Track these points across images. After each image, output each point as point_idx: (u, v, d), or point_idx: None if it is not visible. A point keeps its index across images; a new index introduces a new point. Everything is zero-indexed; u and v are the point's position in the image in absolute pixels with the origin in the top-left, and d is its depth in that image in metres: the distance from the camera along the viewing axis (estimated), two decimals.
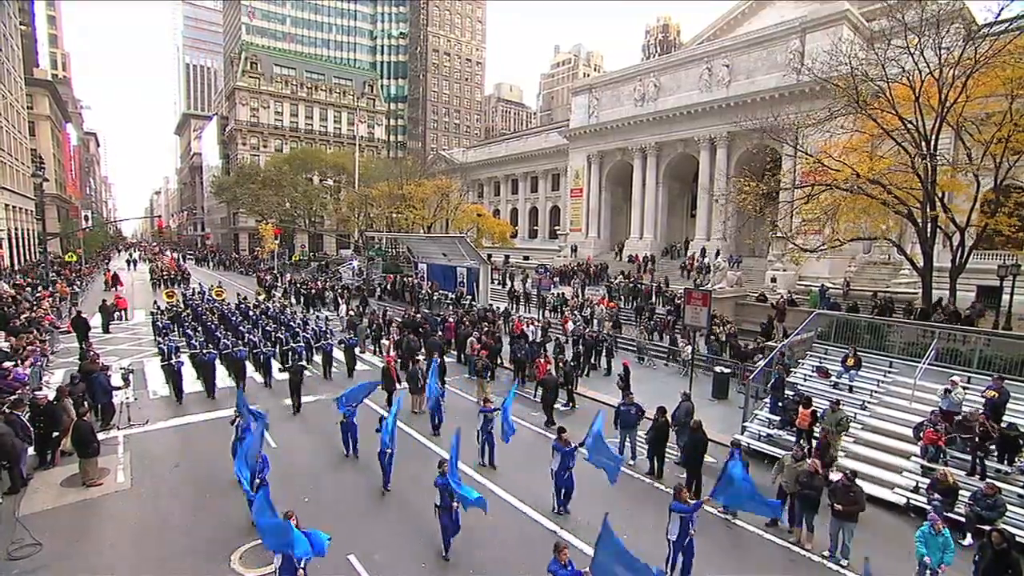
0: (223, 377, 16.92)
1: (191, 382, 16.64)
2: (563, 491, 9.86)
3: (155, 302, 26.66)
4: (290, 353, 17.72)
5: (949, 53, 16.70)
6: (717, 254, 34.14)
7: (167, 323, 22.01)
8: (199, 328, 21.68)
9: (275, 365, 18.07)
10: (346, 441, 12.09)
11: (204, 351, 16.60)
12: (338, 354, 19.58)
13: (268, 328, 21.14)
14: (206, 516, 9.56)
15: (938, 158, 17.47)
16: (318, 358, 19.08)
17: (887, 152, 19.19)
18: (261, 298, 31.20)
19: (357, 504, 10.17)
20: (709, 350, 20.07)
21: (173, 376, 15.37)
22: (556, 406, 15.40)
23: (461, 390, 17.48)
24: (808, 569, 8.64)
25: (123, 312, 28.19)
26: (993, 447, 10.60)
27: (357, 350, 20.12)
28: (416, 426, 14.07)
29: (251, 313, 24.97)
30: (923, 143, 17.19)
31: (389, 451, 10.31)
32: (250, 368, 17.95)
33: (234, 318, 23.47)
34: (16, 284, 30.71)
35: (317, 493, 10.43)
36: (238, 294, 31.64)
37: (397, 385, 15.39)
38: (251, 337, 19.09)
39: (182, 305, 26.85)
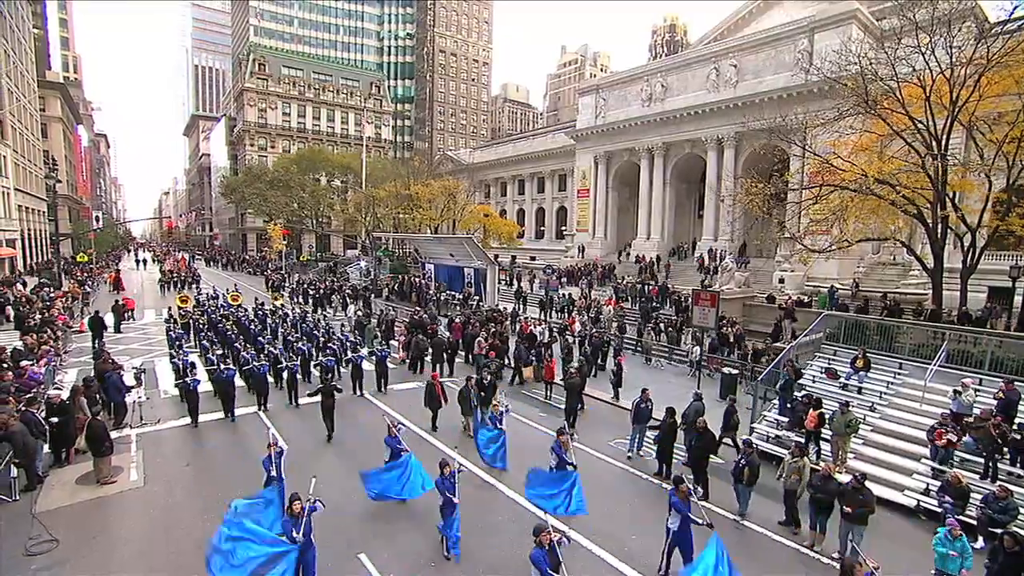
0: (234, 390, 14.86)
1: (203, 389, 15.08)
2: (676, 552, 8.05)
3: (168, 309, 24.85)
4: (319, 369, 16.17)
5: (961, 52, 16.56)
6: (743, 250, 34.11)
7: (180, 332, 20.14)
8: (216, 339, 19.76)
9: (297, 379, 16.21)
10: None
11: (222, 367, 14.76)
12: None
13: (290, 338, 19.52)
14: (218, 514, 9.62)
15: (949, 158, 17.33)
16: (343, 370, 17.68)
17: (897, 152, 19.06)
18: (279, 303, 29.09)
19: (366, 504, 10.23)
20: (718, 351, 20.04)
21: (188, 396, 13.75)
22: (561, 406, 15.49)
23: None
24: (818, 570, 8.63)
25: (130, 312, 27.70)
26: (1007, 449, 10.54)
27: (365, 351, 18.93)
28: (471, 455, 11.82)
29: (269, 321, 23.45)
30: (934, 143, 17.06)
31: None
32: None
33: (253, 327, 21.90)
34: (39, 283, 31.24)
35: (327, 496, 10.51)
36: (256, 298, 29.71)
37: (444, 403, 13.82)
38: (271, 349, 17.62)
39: (197, 312, 24.60)
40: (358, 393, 16.48)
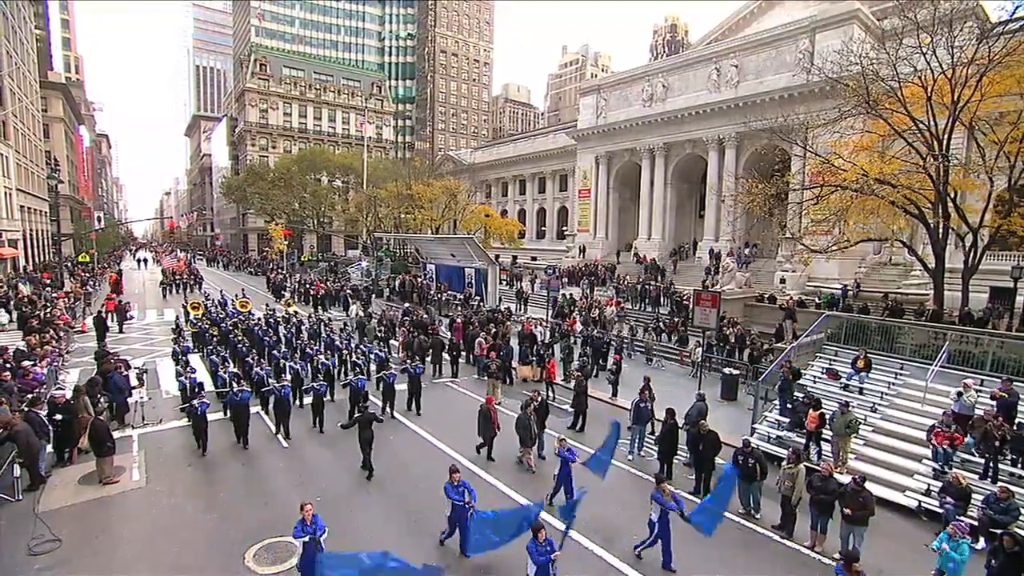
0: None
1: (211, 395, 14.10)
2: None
3: (176, 318, 22.75)
4: (349, 390, 14.06)
5: (962, 52, 16.56)
6: (752, 248, 34.30)
7: (187, 345, 18.19)
8: (228, 354, 17.60)
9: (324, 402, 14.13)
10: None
11: (236, 389, 12.79)
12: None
13: (309, 350, 17.34)
14: (220, 515, 9.70)
15: (950, 158, 17.32)
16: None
17: (898, 152, 19.07)
18: (292, 310, 26.10)
19: (370, 505, 10.26)
20: (717, 351, 20.06)
21: (196, 422, 12.08)
22: (564, 407, 15.52)
23: (470, 390, 17.60)
24: (820, 571, 8.63)
25: (113, 314, 25.37)
26: (1008, 450, 10.53)
27: (397, 368, 16.14)
28: (528, 492, 10.64)
29: (283, 329, 21.54)
30: (935, 143, 17.05)
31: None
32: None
33: (267, 338, 19.51)
34: (40, 281, 31.26)
35: (333, 496, 10.54)
36: (266, 305, 27.58)
37: (498, 432, 12.08)
38: (291, 364, 15.69)
39: (205, 321, 22.08)
40: (391, 416, 14.59)
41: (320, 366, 15.84)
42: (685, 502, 8.79)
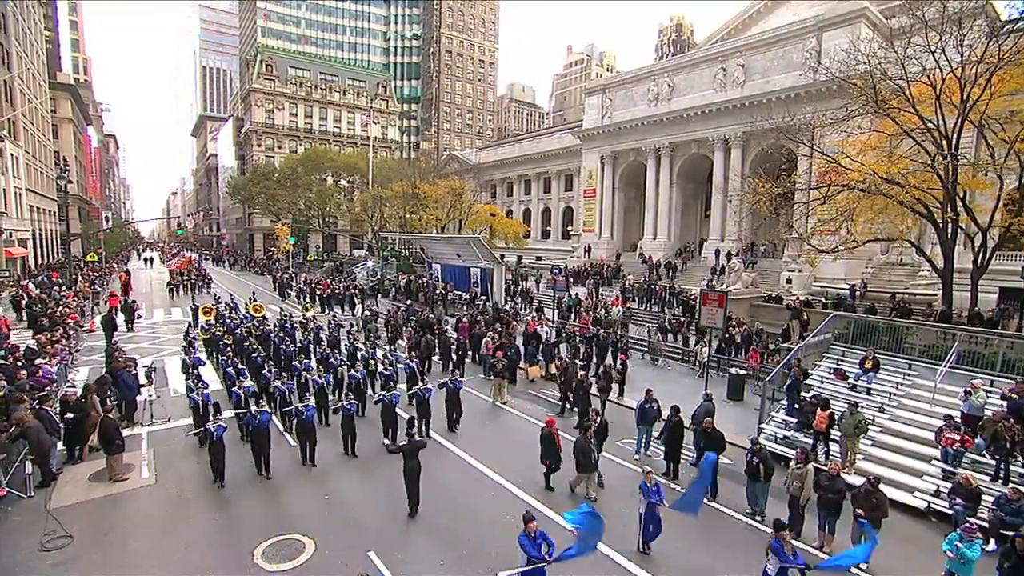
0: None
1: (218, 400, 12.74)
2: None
3: (188, 326, 21.51)
4: (381, 407, 12.61)
5: (971, 50, 16.43)
6: (766, 246, 34.28)
7: (197, 357, 16.11)
8: (246, 367, 16.08)
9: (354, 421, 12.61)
10: None
11: (255, 411, 11.12)
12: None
13: (333, 361, 15.92)
14: (229, 512, 9.77)
15: (960, 157, 17.20)
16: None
17: (906, 151, 18.95)
18: (309, 315, 24.32)
19: (377, 504, 10.29)
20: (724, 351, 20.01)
21: (212, 448, 10.64)
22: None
23: (476, 390, 17.61)
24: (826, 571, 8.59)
25: (117, 311, 25.21)
26: (1019, 452, 10.45)
27: (433, 384, 14.02)
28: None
29: (300, 336, 20.27)
30: (944, 142, 16.94)
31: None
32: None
33: (284, 347, 17.81)
34: (48, 280, 31.53)
35: (340, 497, 10.57)
36: (280, 309, 26.41)
37: (561, 455, 10.72)
38: (315, 379, 13.97)
39: (219, 328, 20.30)
40: (426, 434, 13.07)
41: (350, 379, 14.42)
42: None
